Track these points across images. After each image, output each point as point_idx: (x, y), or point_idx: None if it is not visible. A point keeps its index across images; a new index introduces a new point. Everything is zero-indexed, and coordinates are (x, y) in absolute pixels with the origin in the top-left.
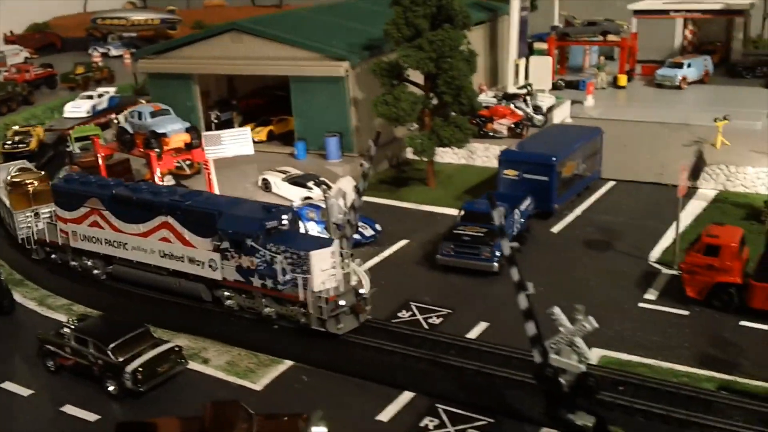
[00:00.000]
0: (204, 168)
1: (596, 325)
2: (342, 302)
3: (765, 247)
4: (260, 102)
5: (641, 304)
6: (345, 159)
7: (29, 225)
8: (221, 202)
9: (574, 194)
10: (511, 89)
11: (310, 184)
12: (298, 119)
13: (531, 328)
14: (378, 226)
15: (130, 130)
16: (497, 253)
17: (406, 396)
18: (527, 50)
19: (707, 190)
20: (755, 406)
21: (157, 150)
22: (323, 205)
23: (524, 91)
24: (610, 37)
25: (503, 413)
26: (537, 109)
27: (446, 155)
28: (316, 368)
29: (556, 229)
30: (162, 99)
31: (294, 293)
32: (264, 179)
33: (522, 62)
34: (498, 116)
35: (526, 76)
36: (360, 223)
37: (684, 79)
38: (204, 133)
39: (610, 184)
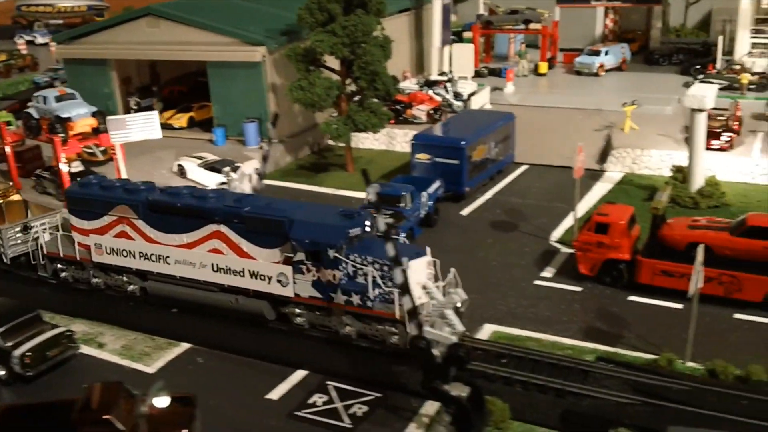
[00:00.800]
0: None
1: (465, 296)
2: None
3: (651, 225)
4: (183, 89)
5: (537, 282)
6: (264, 144)
7: (25, 240)
8: (287, 208)
9: (486, 177)
10: (434, 76)
11: (226, 169)
12: (217, 105)
13: (407, 302)
14: None
15: (36, 116)
16: (402, 235)
17: (299, 374)
18: (450, 38)
19: (614, 173)
20: (631, 376)
21: (62, 135)
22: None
23: (445, 78)
24: (532, 26)
25: (391, 388)
26: (457, 95)
27: (367, 141)
28: (212, 350)
29: (465, 211)
30: (79, 86)
31: (386, 310)
32: (179, 165)
33: (446, 50)
34: (417, 102)
35: (450, 64)
36: None
37: (602, 66)
38: (108, 118)
39: (524, 167)
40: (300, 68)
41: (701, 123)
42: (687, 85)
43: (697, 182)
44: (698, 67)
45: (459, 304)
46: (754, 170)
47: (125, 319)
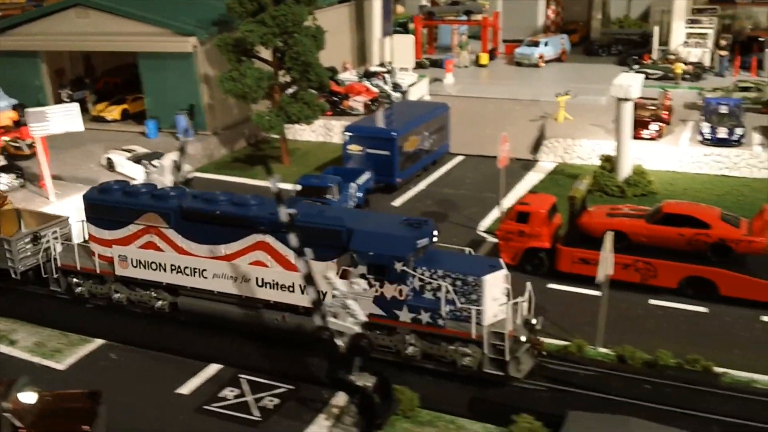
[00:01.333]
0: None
1: (366, 287)
2: (522, 338)
3: (569, 214)
4: (118, 80)
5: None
6: (197, 137)
7: (35, 252)
8: (343, 216)
9: (419, 168)
10: (374, 67)
11: (156, 162)
12: (149, 97)
13: (311, 293)
14: None
15: None
16: None
17: (213, 369)
18: (393, 29)
19: (546, 163)
20: (544, 363)
21: None
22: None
23: (383, 69)
24: (474, 17)
25: (304, 380)
26: (396, 86)
27: (304, 133)
28: (126, 346)
29: (397, 202)
30: (9, 79)
31: (460, 329)
32: (108, 158)
33: (387, 41)
34: (354, 94)
35: (391, 55)
36: None
37: (541, 57)
38: (27, 110)
39: (459, 158)
40: (231, 59)
41: (627, 112)
42: None
43: (625, 171)
44: (635, 57)
45: (534, 321)
46: (682, 159)
47: (40, 316)
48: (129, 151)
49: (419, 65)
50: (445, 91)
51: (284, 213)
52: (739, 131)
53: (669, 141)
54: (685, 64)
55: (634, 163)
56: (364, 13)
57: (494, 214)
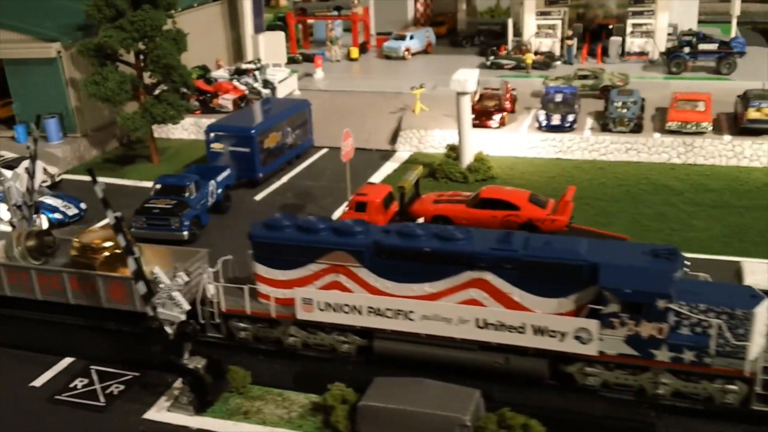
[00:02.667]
0: None
1: (187, 279)
2: None
3: (399, 202)
4: None
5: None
6: (67, 140)
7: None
8: (572, 247)
9: (283, 162)
10: (245, 65)
11: (7, 172)
12: (17, 102)
13: (141, 287)
14: (83, 205)
15: None
16: (186, 223)
17: (66, 362)
18: (264, 25)
19: (403, 153)
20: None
21: None
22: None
23: (253, 66)
24: (344, 12)
25: (150, 367)
26: (267, 83)
27: (176, 131)
28: None
29: (259, 196)
30: None
31: (730, 366)
32: None
33: (260, 37)
34: (222, 92)
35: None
36: (64, 203)
37: (407, 50)
38: None
39: (324, 151)
40: (93, 63)
41: (466, 105)
42: (481, 66)
43: (467, 159)
44: (493, 48)
45: None
46: (522, 145)
47: None
48: None
49: (293, 60)
50: (315, 85)
51: (111, 216)
52: (570, 117)
53: (511, 128)
54: (537, 54)
55: (477, 150)
56: (238, 11)
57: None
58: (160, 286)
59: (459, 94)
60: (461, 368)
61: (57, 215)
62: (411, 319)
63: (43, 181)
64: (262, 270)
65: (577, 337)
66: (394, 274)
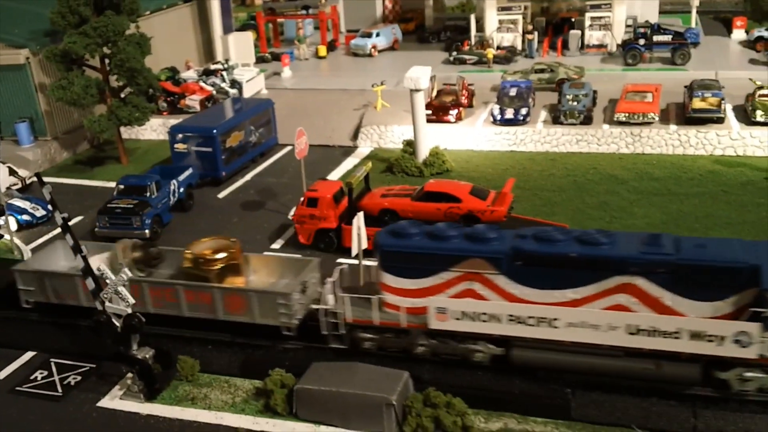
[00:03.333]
0: None
1: (130, 274)
2: None
3: (348, 196)
4: None
5: (266, 253)
6: (38, 143)
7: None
8: (733, 251)
9: (247, 160)
10: (214, 66)
11: None
12: None
13: (90, 283)
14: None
15: None
16: (147, 221)
17: (28, 356)
18: (232, 26)
19: (364, 149)
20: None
21: None
22: None
23: (220, 66)
24: (312, 11)
25: (106, 359)
26: (234, 83)
27: (146, 132)
28: None
29: (222, 194)
30: None
31: None
32: None
33: (230, 38)
34: (189, 93)
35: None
36: (32, 204)
37: (374, 47)
38: None
39: (288, 148)
40: (60, 68)
41: (419, 101)
42: (445, 61)
43: (423, 153)
44: (457, 43)
45: None
46: (477, 138)
47: None
48: None
49: (262, 60)
50: (282, 84)
51: (59, 218)
52: (524, 111)
53: (468, 123)
54: (499, 48)
55: (433, 145)
56: (207, 12)
57: None
58: (107, 281)
59: (412, 91)
60: (604, 375)
61: (25, 217)
62: (555, 327)
63: (13, 184)
64: (389, 279)
65: (737, 341)
66: (535, 280)
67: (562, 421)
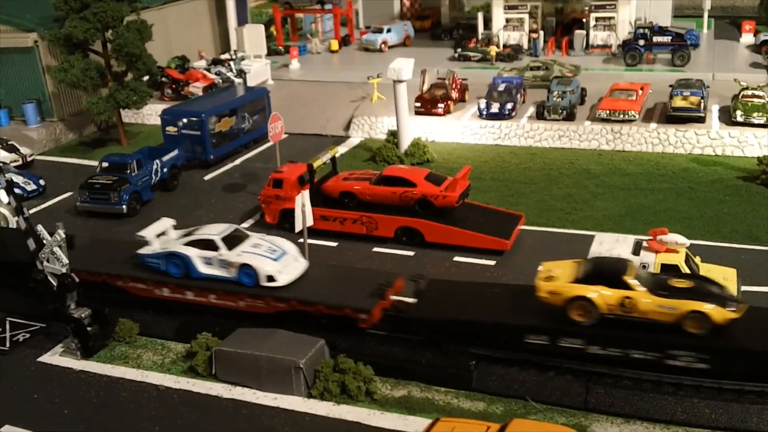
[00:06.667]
0: None
1: (63, 235)
2: None
3: (310, 179)
4: None
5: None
6: (44, 123)
7: None
8: None
9: (238, 145)
10: (225, 56)
11: None
12: (0, 88)
13: (31, 244)
14: (42, 182)
15: None
16: (125, 197)
17: None
18: (247, 18)
19: (355, 138)
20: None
21: None
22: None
23: (228, 56)
24: (327, 6)
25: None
26: (240, 72)
27: (151, 117)
28: None
29: (209, 176)
30: None
31: None
32: None
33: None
34: (193, 80)
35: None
36: (24, 179)
37: (384, 42)
38: None
39: (282, 136)
40: (63, 52)
41: (402, 93)
42: (451, 58)
43: (405, 144)
44: (465, 40)
45: None
46: (463, 131)
47: None
48: None
49: (276, 52)
50: (288, 75)
51: (2, 179)
52: (509, 106)
53: (456, 116)
54: (504, 47)
55: (419, 136)
56: (224, 4)
57: None
58: (44, 241)
59: (395, 82)
60: None
61: (17, 191)
62: None
63: (14, 161)
64: None
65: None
66: None
67: (463, 391)
